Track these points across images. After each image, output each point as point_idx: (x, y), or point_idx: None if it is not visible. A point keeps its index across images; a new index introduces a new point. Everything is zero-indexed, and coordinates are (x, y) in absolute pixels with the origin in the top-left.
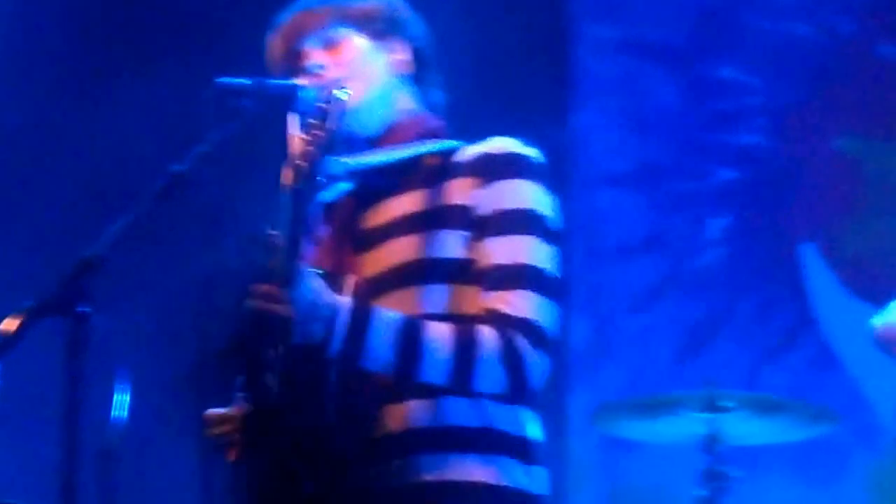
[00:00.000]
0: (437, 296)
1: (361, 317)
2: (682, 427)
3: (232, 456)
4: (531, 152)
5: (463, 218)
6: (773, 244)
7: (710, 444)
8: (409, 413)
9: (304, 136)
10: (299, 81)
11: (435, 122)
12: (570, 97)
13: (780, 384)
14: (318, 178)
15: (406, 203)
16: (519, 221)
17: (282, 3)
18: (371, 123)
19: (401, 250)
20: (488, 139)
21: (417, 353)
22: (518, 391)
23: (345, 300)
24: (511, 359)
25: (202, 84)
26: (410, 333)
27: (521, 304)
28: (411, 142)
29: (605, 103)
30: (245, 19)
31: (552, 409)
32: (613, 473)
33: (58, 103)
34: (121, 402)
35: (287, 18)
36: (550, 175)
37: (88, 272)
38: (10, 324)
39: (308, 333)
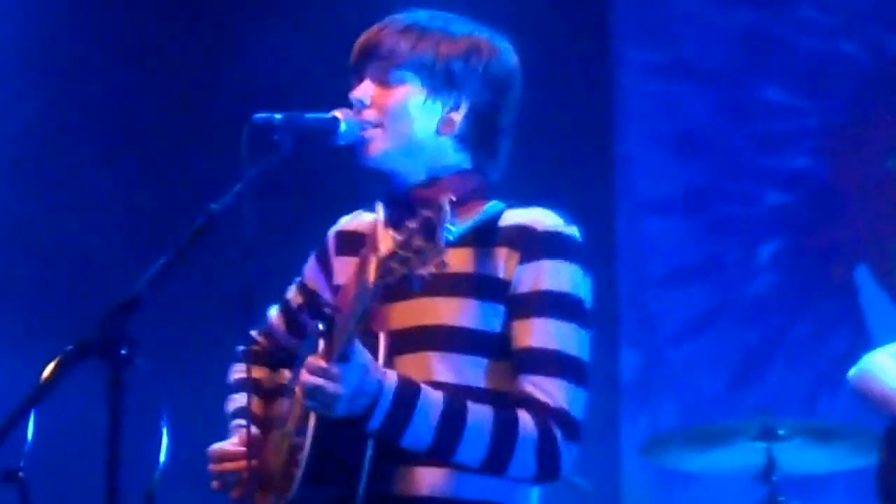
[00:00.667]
0: (470, 367)
1: (407, 399)
2: (737, 457)
3: (236, 494)
4: (572, 231)
5: (502, 292)
6: (826, 267)
7: (767, 474)
8: (429, 480)
9: (397, 237)
10: (337, 115)
11: (479, 182)
12: (613, 123)
13: (837, 410)
14: (405, 282)
15: (449, 260)
16: (557, 305)
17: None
18: (410, 172)
19: (440, 311)
20: (530, 209)
21: (457, 439)
22: (546, 479)
23: (391, 377)
24: (546, 449)
25: (242, 119)
26: (453, 419)
27: (557, 393)
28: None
29: (650, 128)
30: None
31: (605, 441)
32: None
33: (90, 139)
34: (162, 443)
35: (373, 28)
36: (595, 204)
37: (127, 313)
38: (49, 369)
39: (353, 409)
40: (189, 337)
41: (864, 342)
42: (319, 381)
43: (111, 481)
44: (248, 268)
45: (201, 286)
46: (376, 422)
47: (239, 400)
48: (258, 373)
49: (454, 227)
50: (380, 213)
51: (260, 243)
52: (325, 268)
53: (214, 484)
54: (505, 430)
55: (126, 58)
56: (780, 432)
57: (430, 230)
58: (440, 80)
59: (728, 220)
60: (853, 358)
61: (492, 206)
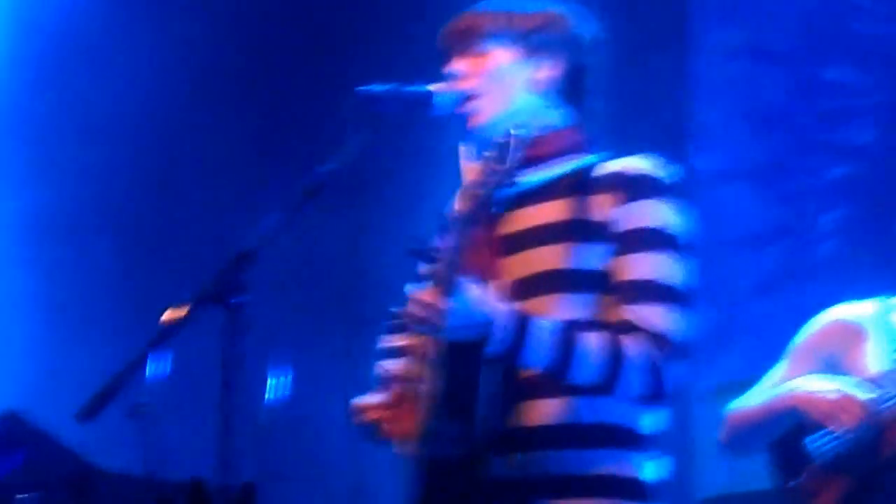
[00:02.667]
0: (580, 304)
1: (521, 320)
2: None
3: (382, 436)
4: (665, 173)
5: (602, 233)
6: (884, 236)
7: None
8: (549, 409)
9: (480, 166)
10: (434, 88)
11: (576, 138)
12: (691, 98)
13: None
14: (491, 208)
15: (549, 212)
16: (653, 240)
17: (418, 12)
18: (512, 125)
19: (546, 258)
20: (626, 157)
21: (572, 356)
22: (653, 397)
23: (503, 306)
24: (649, 371)
25: (345, 92)
26: (566, 338)
27: (656, 318)
28: (553, 158)
29: (724, 104)
30: (383, 28)
31: (676, 396)
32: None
33: (210, 108)
34: (279, 383)
35: (458, 17)
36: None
37: (243, 265)
38: (175, 313)
39: (467, 334)
40: (301, 293)
41: None
42: (423, 312)
43: (225, 417)
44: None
45: (310, 247)
46: (496, 344)
47: (386, 365)
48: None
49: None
50: (463, 151)
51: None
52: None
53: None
54: (613, 353)
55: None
56: None
57: (502, 154)
58: (524, 43)
59: (794, 191)
60: None
61: (588, 158)
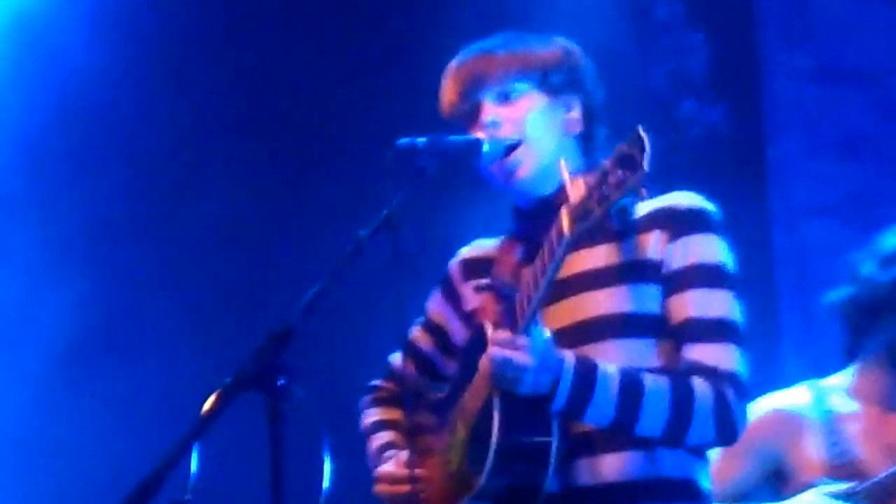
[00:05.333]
0: (639, 349)
1: (587, 371)
2: None
3: None
4: (713, 207)
5: (655, 272)
6: None
7: None
8: (626, 464)
9: (589, 179)
10: (480, 135)
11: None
12: (766, 127)
13: None
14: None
15: (596, 257)
16: (712, 276)
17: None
18: (546, 183)
19: (601, 303)
20: (666, 194)
21: (638, 409)
22: (724, 442)
23: (569, 354)
24: (722, 412)
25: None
26: (632, 390)
27: (725, 357)
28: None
29: (802, 132)
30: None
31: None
32: None
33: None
34: (325, 470)
35: (465, 62)
36: (750, 207)
37: (283, 344)
38: (210, 402)
39: (538, 384)
40: (346, 363)
41: None
42: (508, 351)
43: None
44: (402, 290)
45: (355, 311)
46: (561, 399)
47: (381, 437)
48: (393, 414)
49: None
50: (564, 172)
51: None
52: (452, 298)
53: None
54: (682, 397)
55: (285, 71)
56: None
57: (628, 160)
58: (552, 83)
59: (890, 222)
60: None
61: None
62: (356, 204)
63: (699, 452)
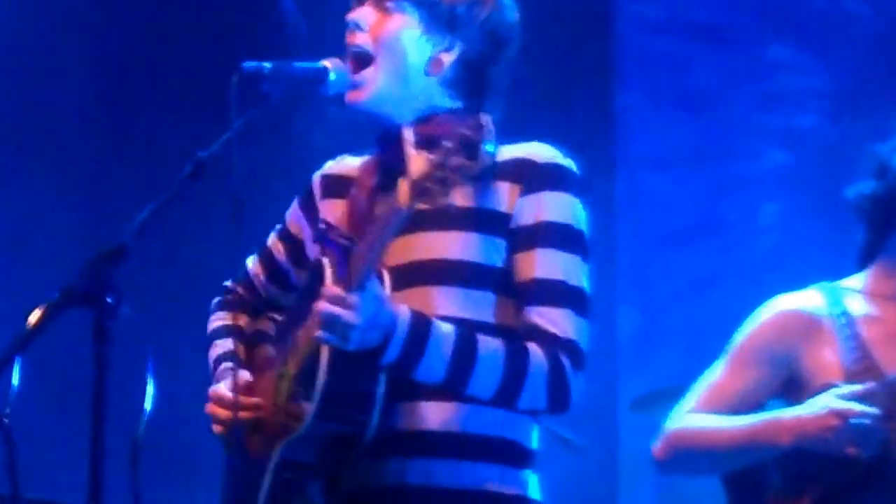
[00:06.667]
0: (477, 301)
1: (421, 331)
2: None
3: (228, 438)
4: (570, 164)
5: (503, 225)
6: (829, 227)
7: None
8: (449, 414)
9: (432, 157)
10: (329, 64)
11: (470, 122)
12: (614, 77)
13: None
14: (439, 206)
15: (452, 194)
16: (560, 236)
17: None
18: (400, 114)
19: (444, 247)
20: (528, 143)
21: (470, 371)
22: (557, 410)
23: (404, 311)
24: (557, 381)
25: (229, 68)
26: (465, 352)
27: (565, 323)
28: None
29: (651, 84)
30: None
31: (601, 398)
32: None
33: (82, 93)
34: (148, 391)
35: None
36: (594, 157)
37: (113, 262)
38: (35, 316)
39: (366, 341)
40: (175, 285)
41: None
42: (337, 309)
43: (97, 429)
44: (235, 215)
45: (188, 234)
46: (391, 355)
47: (223, 345)
48: (239, 320)
49: (492, 145)
50: (409, 135)
51: (247, 190)
52: (310, 213)
53: (217, 428)
54: (516, 362)
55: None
56: None
57: (470, 147)
58: (439, 18)
59: (731, 179)
60: None
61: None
62: (203, 126)
63: (531, 413)
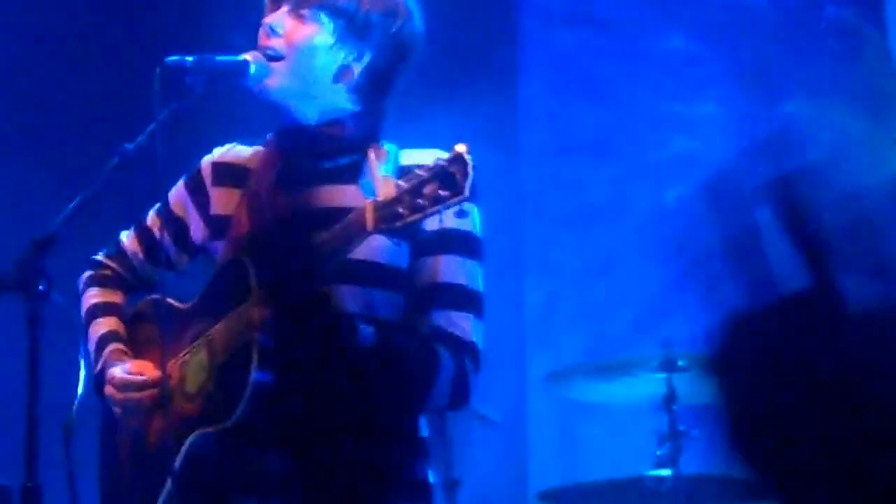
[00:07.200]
0: (390, 302)
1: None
2: (639, 388)
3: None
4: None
5: (405, 230)
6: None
7: (668, 404)
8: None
9: (403, 183)
10: (250, 57)
11: (371, 126)
12: (519, 69)
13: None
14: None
15: (349, 196)
16: (462, 243)
17: None
18: (303, 113)
19: (360, 248)
20: (425, 149)
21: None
22: (456, 408)
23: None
24: (460, 382)
25: (152, 63)
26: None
27: (467, 327)
28: (345, 140)
29: (555, 75)
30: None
31: (511, 375)
32: (573, 435)
33: (5, 86)
34: (80, 375)
35: None
36: (500, 144)
37: (44, 250)
38: None
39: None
40: None
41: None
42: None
43: (31, 411)
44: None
45: (115, 223)
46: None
47: (105, 323)
48: (115, 297)
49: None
50: (373, 156)
51: (171, 181)
52: (199, 197)
53: (118, 410)
54: (427, 365)
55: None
56: (680, 363)
57: (448, 179)
58: (353, 30)
59: (635, 166)
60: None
61: (388, 147)
62: (127, 118)
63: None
